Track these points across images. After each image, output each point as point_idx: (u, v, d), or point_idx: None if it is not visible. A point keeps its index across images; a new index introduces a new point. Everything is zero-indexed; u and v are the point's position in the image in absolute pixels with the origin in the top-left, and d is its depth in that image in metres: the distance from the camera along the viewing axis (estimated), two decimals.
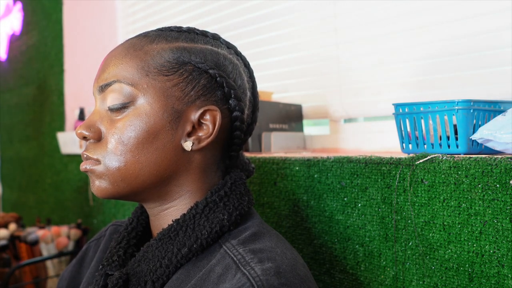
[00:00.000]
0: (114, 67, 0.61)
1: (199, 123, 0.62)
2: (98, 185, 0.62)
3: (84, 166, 0.62)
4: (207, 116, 0.61)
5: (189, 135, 0.61)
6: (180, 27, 0.66)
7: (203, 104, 0.61)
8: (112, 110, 0.60)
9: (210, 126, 0.61)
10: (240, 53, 0.70)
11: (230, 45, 0.68)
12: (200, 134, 0.62)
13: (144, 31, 0.67)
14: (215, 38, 0.67)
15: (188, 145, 0.61)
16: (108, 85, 0.61)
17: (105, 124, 0.61)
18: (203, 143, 0.62)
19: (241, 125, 0.65)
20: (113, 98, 0.60)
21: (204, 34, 0.67)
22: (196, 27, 0.68)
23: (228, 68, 0.64)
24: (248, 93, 0.68)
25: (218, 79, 0.62)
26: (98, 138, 0.61)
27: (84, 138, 0.62)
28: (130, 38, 0.65)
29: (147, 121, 0.59)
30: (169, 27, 0.66)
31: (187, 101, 0.61)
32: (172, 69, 0.61)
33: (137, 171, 0.60)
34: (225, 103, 0.63)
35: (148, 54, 0.61)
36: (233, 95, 0.63)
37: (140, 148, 0.59)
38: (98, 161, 0.61)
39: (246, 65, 0.70)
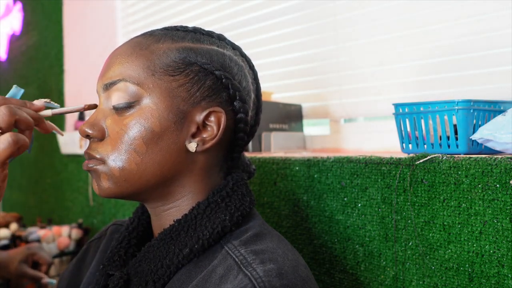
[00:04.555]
0: (119, 65, 0.60)
1: (203, 125, 0.61)
2: (100, 185, 0.61)
3: (87, 165, 0.61)
4: (212, 118, 0.61)
5: (193, 136, 0.61)
6: (186, 27, 0.66)
7: (208, 105, 0.61)
8: (116, 109, 0.60)
9: (215, 128, 0.61)
10: (245, 55, 0.69)
11: (235, 46, 0.68)
12: (205, 135, 0.61)
13: (146, 31, 0.66)
14: (221, 38, 0.67)
15: (192, 146, 0.61)
16: (113, 83, 0.60)
17: (109, 123, 0.61)
18: (207, 145, 0.61)
19: (245, 127, 0.65)
20: (118, 97, 0.60)
21: (209, 34, 0.66)
22: None
23: (233, 70, 0.64)
24: (252, 95, 0.68)
25: (223, 80, 0.62)
26: (102, 137, 0.61)
27: (87, 136, 0.62)
28: (136, 37, 0.64)
29: (152, 121, 0.59)
30: (174, 27, 0.66)
31: (193, 102, 0.60)
32: (178, 69, 0.60)
33: (141, 171, 0.60)
34: (229, 105, 0.63)
35: (154, 54, 0.61)
36: (238, 97, 0.63)
37: (144, 148, 0.59)
38: (101, 160, 0.60)
39: (251, 66, 0.69)
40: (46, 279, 1.05)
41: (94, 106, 0.64)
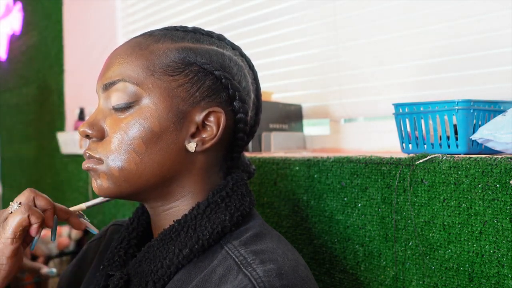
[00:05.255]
0: (119, 65, 0.61)
1: (203, 125, 0.61)
2: (100, 184, 0.61)
3: (86, 165, 0.62)
4: (212, 118, 0.61)
5: (192, 136, 0.61)
6: (186, 27, 0.66)
7: (207, 105, 0.61)
8: (116, 109, 0.60)
9: (214, 128, 0.61)
10: (245, 55, 0.69)
11: (235, 46, 0.68)
12: (204, 135, 0.61)
13: (146, 31, 0.66)
14: (220, 39, 0.67)
15: (192, 146, 0.61)
16: (112, 83, 0.60)
17: (108, 123, 0.61)
18: (207, 145, 0.61)
19: (244, 127, 0.65)
20: (117, 97, 0.60)
21: (209, 34, 0.66)
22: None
23: (233, 70, 0.64)
24: (252, 95, 0.68)
25: (223, 80, 0.62)
26: (101, 137, 0.61)
27: (87, 136, 0.62)
28: (135, 37, 0.64)
29: (152, 121, 0.59)
30: (174, 27, 0.66)
31: (192, 102, 0.60)
32: (178, 70, 0.60)
33: (140, 171, 0.60)
34: (229, 105, 0.63)
35: (153, 54, 0.61)
36: (237, 97, 0.63)
37: (144, 148, 0.59)
38: (100, 160, 0.60)
39: (251, 66, 0.69)
40: (45, 269, 1.05)
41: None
